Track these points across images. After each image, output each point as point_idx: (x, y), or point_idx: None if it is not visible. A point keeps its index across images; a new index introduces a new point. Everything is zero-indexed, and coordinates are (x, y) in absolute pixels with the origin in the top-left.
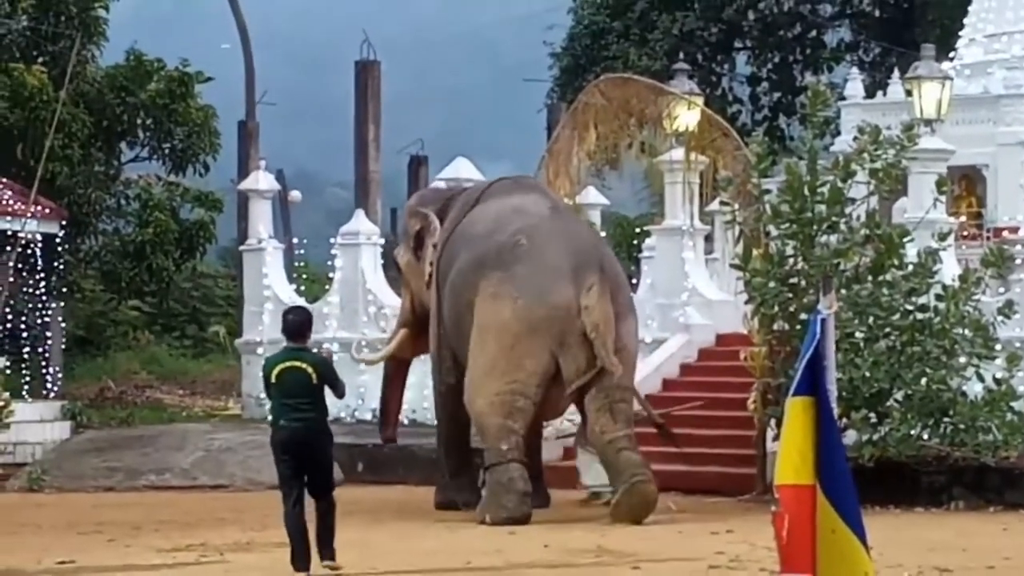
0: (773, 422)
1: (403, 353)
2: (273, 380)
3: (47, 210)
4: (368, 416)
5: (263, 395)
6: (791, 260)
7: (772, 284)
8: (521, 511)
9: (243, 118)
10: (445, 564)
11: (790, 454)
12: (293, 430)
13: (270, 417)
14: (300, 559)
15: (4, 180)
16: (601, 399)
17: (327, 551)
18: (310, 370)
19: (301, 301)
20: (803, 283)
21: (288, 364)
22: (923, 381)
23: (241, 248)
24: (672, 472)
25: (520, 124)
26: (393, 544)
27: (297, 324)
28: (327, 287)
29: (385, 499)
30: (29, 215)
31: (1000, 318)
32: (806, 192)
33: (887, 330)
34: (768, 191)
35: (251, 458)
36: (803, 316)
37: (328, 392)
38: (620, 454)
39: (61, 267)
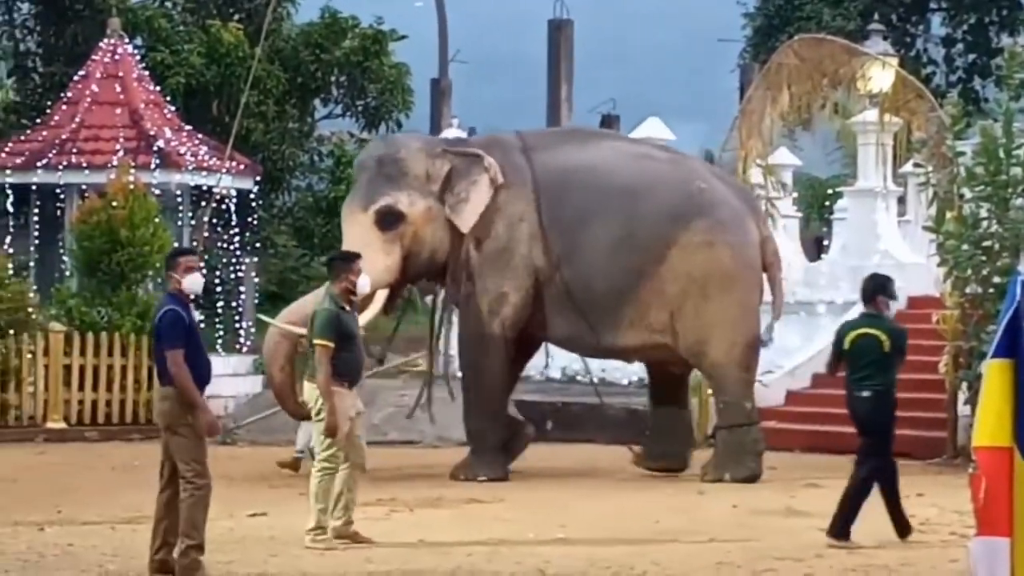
0: (964, 385)
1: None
2: (846, 346)
3: (242, 166)
4: (557, 375)
5: (453, 351)
6: (985, 223)
7: (965, 247)
8: (760, 470)
9: (436, 76)
10: (634, 523)
11: (988, 416)
12: (856, 399)
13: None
14: (898, 528)
15: (200, 136)
16: None
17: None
18: (884, 338)
19: None
20: (997, 246)
21: (863, 331)
22: None
23: None
24: None
25: (712, 84)
26: (581, 503)
27: (875, 290)
28: None
29: (574, 457)
30: (224, 170)
31: None
32: (1001, 155)
33: None
34: (962, 153)
35: (441, 415)
36: (996, 280)
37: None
38: None
39: (255, 222)
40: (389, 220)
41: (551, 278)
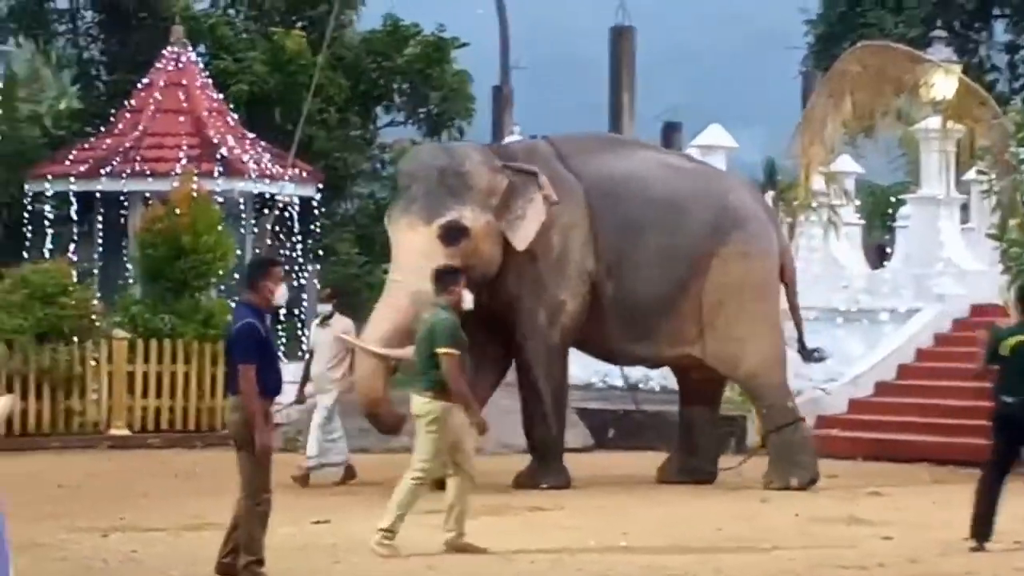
0: None
1: None
2: (1004, 351)
3: (304, 173)
4: (618, 382)
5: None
6: None
7: None
8: (817, 469)
9: (498, 83)
10: (696, 531)
11: None
12: (1008, 405)
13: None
14: (978, 529)
15: (263, 143)
16: None
17: None
18: None
19: None
20: None
21: (1023, 338)
22: None
23: None
24: (927, 443)
25: (774, 91)
26: (643, 510)
27: None
28: None
29: (636, 465)
30: (287, 178)
31: None
32: None
33: None
34: None
35: (506, 423)
36: None
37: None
38: None
39: (317, 230)
40: (454, 235)
41: (600, 285)
